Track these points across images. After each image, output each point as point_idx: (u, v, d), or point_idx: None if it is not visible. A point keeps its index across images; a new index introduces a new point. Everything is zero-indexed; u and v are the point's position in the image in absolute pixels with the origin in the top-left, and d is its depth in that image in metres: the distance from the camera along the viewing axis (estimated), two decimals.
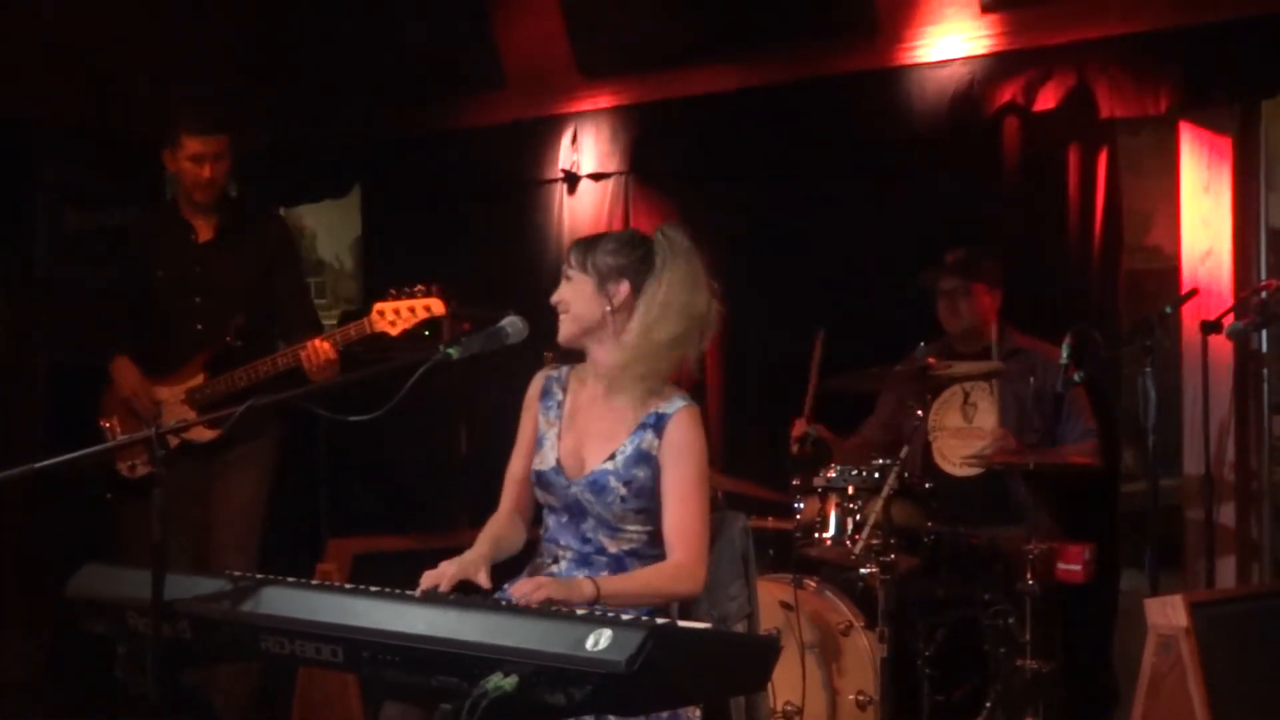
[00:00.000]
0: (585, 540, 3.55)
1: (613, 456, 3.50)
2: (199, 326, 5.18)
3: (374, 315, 4.76)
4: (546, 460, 3.59)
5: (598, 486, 3.50)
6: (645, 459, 3.48)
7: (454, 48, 6.80)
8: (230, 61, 6.81)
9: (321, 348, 4.84)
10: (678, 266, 3.53)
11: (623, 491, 3.47)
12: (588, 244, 3.59)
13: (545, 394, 3.67)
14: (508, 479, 3.72)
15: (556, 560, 3.59)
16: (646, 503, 3.49)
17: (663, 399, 3.52)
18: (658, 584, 3.43)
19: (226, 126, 5.23)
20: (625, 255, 3.54)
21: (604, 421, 3.56)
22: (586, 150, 6.61)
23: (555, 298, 3.58)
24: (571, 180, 6.69)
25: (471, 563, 3.42)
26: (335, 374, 4.88)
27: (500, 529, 3.63)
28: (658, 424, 3.49)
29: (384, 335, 4.80)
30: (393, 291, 4.77)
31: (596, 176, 6.62)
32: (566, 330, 3.58)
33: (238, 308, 5.18)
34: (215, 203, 5.26)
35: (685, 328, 3.53)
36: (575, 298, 3.54)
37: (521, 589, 3.23)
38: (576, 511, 3.55)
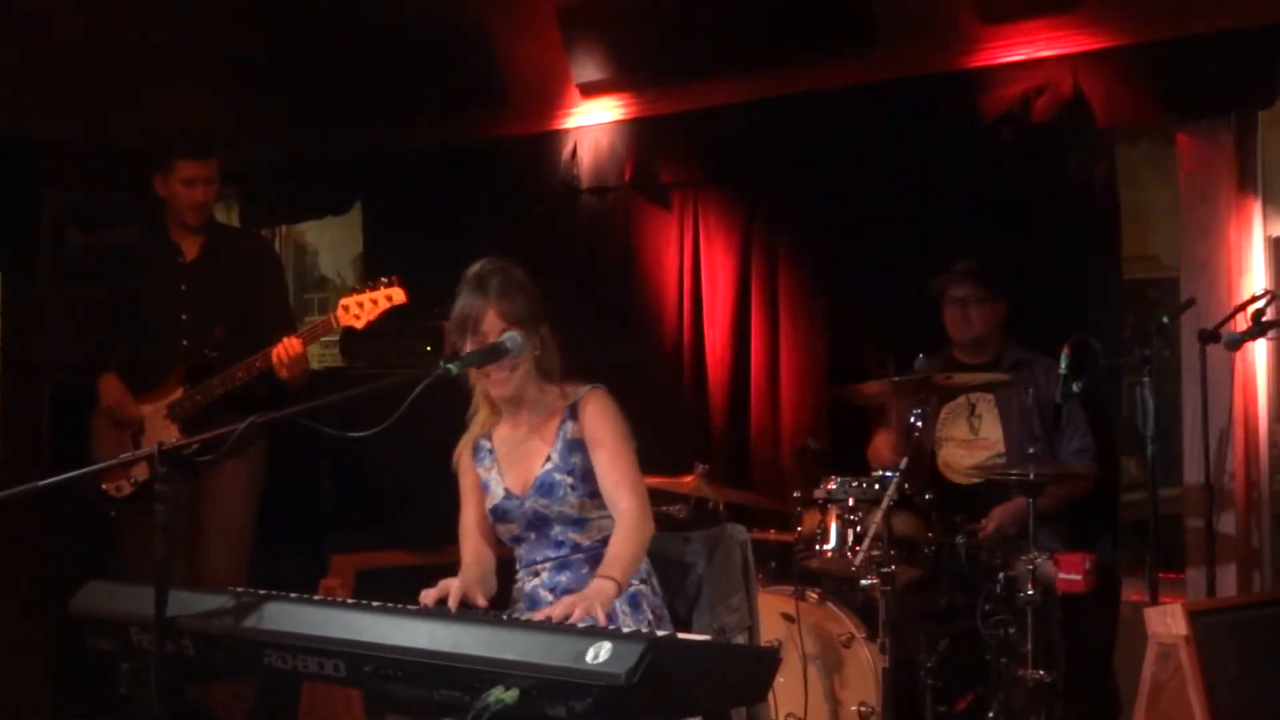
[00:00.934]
0: (558, 545, 3.68)
1: (549, 458, 3.67)
2: (185, 342, 5.29)
3: (339, 311, 4.92)
4: (496, 495, 3.75)
5: (546, 487, 3.65)
6: (576, 445, 3.66)
7: (455, 64, 6.81)
8: (232, 80, 6.82)
9: (290, 343, 4.97)
10: None
11: (569, 480, 3.64)
12: (509, 296, 3.65)
13: (476, 451, 3.84)
14: (462, 534, 3.85)
15: (537, 575, 3.70)
16: (595, 486, 3.64)
17: (570, 393, 3.73)
18: (631, 538, 3.55)
19: (217, 150, 5.33)
20: (536, 295, 3.71)
21: (532, 440, 3.74)
22: (586, 164, 6.63)
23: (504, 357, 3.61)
24: (572, 194, 6.70)
25: (468, 583, 3.57)
26: (305, 369, 5.05)
27: (474, 578, 3.70)
28: (573, 413, 3.69)
29: (351, 329, 4.98)
30: (355, 287, 4.95)
31: (597, 191, 6.63)
32: (511, 387, 3.68)
33: (220, 322, 5.26)
34: (201, 226, 5.37)
35: None
36: (526, 353, 3.65)
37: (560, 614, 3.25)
38: (539, 523, 3.69)
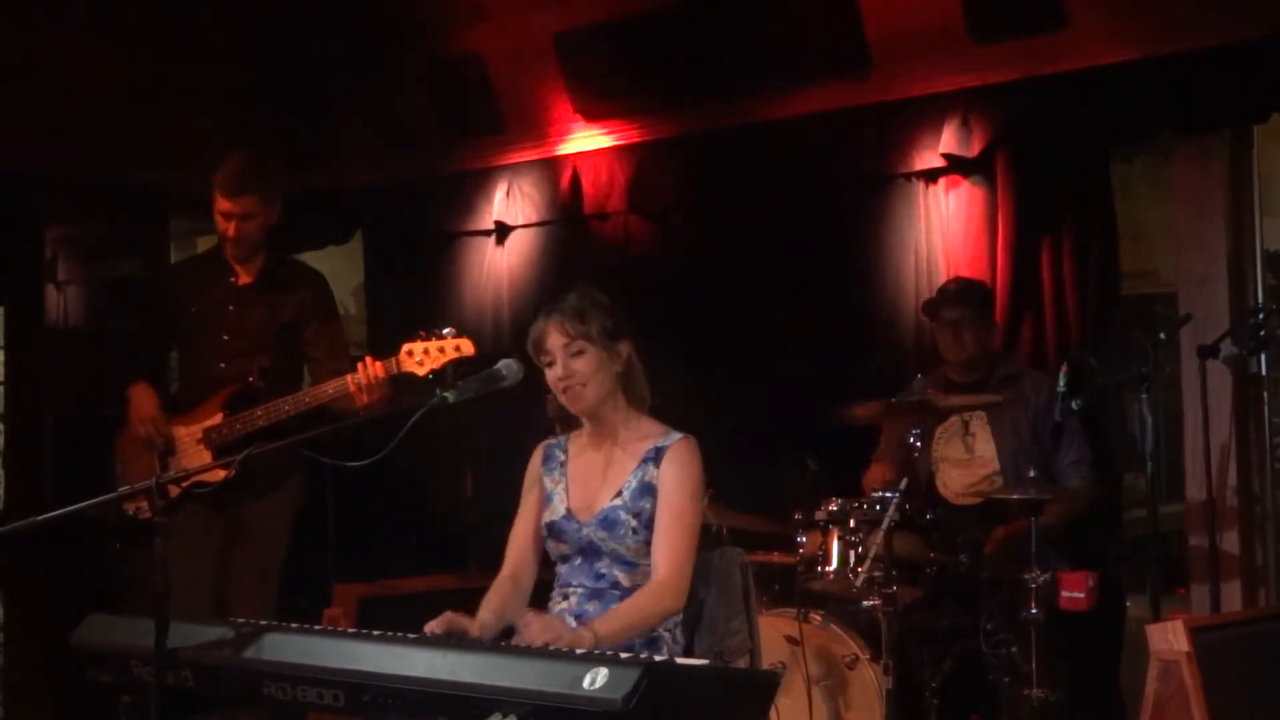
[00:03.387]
0: (599, 576, 3.62)
1: (620, 493, 3.60)
2: (222, 365, 5.13)
3: (402, 355, 4.68)
4: (557, 511, 3.68)
5: (609, 522, 3.59)
6: (649, 490, 3.59)
7: (453, 93, 6.84)
8: (231, 112, 6.85)
9: (373, 366, 4.71)
10: None
11: (633, 524, 3.57)
12: (576, 313, 3.61)
13: (547, 459, 3.78)
14: (510, 541, 3.78)
15: (567, 598, 3.66)
16: None
17: (660, 435, 3.65)
18: (645, 607, 3.50)
19: (255, 189, 5.18)
20: (615, 314, 3.66)
21: (609, 466, 3.67)
22: (585, 191, 6.64)
23: (564, 373, 3.59)
24: (572, 221, 6.72)
25: (470, 620, 3.47)
26: (385, 396, 4.77)
27: (502, 599, 3.64)
28: (657, 457, 3.61)
29: (411, 375, 4.70)
30: (422, 333, 4.70)
31: (597, 216, 6.65)
32: (587, 402, 3.64)
33: (264, 351, 5.14)
34: (245, 257, 5.22)
35: None
36: (594, 370, 3.61)
37: (530, 634, 3.26)
38: (590, 553, 3.63)
